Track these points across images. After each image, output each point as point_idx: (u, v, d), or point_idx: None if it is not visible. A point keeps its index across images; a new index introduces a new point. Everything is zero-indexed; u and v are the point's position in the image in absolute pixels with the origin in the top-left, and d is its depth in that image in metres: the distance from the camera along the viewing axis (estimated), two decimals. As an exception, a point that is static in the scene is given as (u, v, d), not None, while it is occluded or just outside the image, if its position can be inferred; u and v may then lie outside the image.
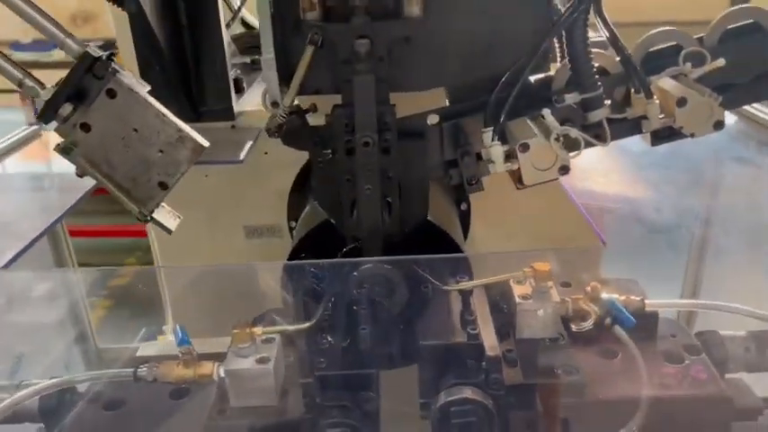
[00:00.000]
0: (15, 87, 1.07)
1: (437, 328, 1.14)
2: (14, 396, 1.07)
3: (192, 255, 1.80)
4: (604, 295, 1.10)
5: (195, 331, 1.08)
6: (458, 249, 1.33)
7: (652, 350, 1.14)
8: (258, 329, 1.05)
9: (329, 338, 1.12)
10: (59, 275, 1.83)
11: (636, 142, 1.24)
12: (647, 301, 1.15)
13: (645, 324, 1.15)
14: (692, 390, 1.06)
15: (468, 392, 1.00)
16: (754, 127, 1.95)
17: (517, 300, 1.07)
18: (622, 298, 1.12)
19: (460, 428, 0.99)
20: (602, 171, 1.61)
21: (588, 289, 1.10)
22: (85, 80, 1.07)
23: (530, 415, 1.05)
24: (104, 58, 1.08)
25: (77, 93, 1.07)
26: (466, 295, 1.17)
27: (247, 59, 1.90)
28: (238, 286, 1.39)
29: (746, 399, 1.11)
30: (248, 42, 1.92)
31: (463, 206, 1.64)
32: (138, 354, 1.30)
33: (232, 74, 1.65)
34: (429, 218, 1.30)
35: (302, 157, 1.25)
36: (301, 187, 1.67)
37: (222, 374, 1.02)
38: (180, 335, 1.07)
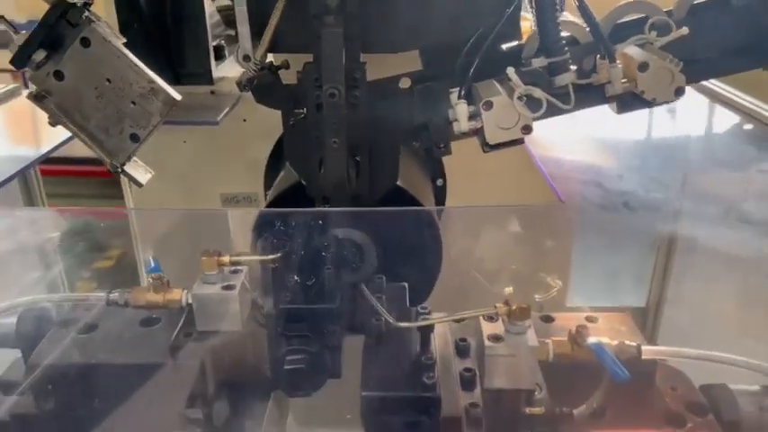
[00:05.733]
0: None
1: (385, 374, 0.95)
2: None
3: (167, 222, 1.80)
4: (592, 340, 0.95)
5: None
6: (430, 219, 1.34)
7: (648, 408, 0.96)
8: (225, 258, 1.08)
9: (295, 278, 1.09)
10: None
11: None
12: (644, 348, 0.96)
13: (639, 372, 0.95)
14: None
15: None
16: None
17: (486, 342, 0.92)
18: (614, 343, 0.95)
19: None
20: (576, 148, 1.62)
21: (573, 331, 0.96)
22: (60, 27, 1.09)
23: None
24: (79, 4, 1.11)
25: (52, 41, 1.09)
26: (426, 332, 1.01)
27: (232, 32, 1.91)
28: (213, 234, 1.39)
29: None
30: (233, 15, 1.92)
31: (439, 182, 1.65)
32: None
33: (215, 42, 1.67)
34: (400, 183, 1.31)
35: (280, 125, 1.27)
36: (279, 156, 1.68)
37: (189, 300, 1.06)
38: (152, 264, 1.11)
